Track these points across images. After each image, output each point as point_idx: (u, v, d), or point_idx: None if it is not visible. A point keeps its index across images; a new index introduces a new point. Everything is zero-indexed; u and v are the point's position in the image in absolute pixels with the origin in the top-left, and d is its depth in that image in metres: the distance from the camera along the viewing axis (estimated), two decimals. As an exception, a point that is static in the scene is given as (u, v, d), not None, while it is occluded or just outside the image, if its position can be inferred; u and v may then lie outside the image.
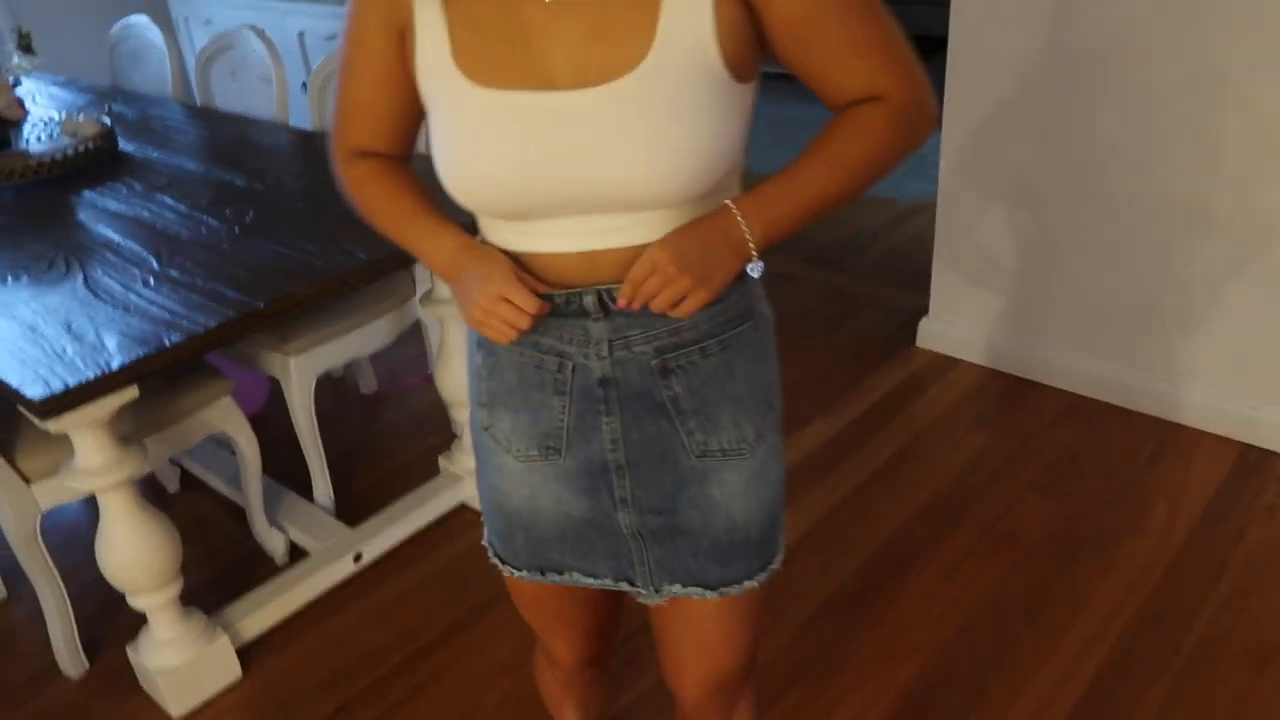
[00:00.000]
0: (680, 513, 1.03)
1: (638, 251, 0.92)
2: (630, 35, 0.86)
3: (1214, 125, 2.06)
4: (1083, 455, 2.27)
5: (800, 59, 0.92)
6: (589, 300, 0.95)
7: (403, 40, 0.95)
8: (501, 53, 0.89)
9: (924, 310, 2.74)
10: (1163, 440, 2.29)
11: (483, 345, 1.05)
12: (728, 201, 0.94)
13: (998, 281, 2.55)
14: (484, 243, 1.00)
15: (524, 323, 0.95)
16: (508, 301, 0.94)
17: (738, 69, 0.88)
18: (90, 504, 1.72)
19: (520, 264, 0.96)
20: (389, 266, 1.73)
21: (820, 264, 3.32)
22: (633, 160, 0.87)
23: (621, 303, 0.93)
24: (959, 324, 2.66)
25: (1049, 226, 2.39)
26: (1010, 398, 2.51)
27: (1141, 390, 2.37)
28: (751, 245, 0.94)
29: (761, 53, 0.92)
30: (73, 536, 2.14)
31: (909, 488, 2.22)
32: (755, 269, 0.96)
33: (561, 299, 0.95)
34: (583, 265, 0.94)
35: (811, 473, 2.28)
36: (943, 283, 2.67)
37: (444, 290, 1.96)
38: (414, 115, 1.01)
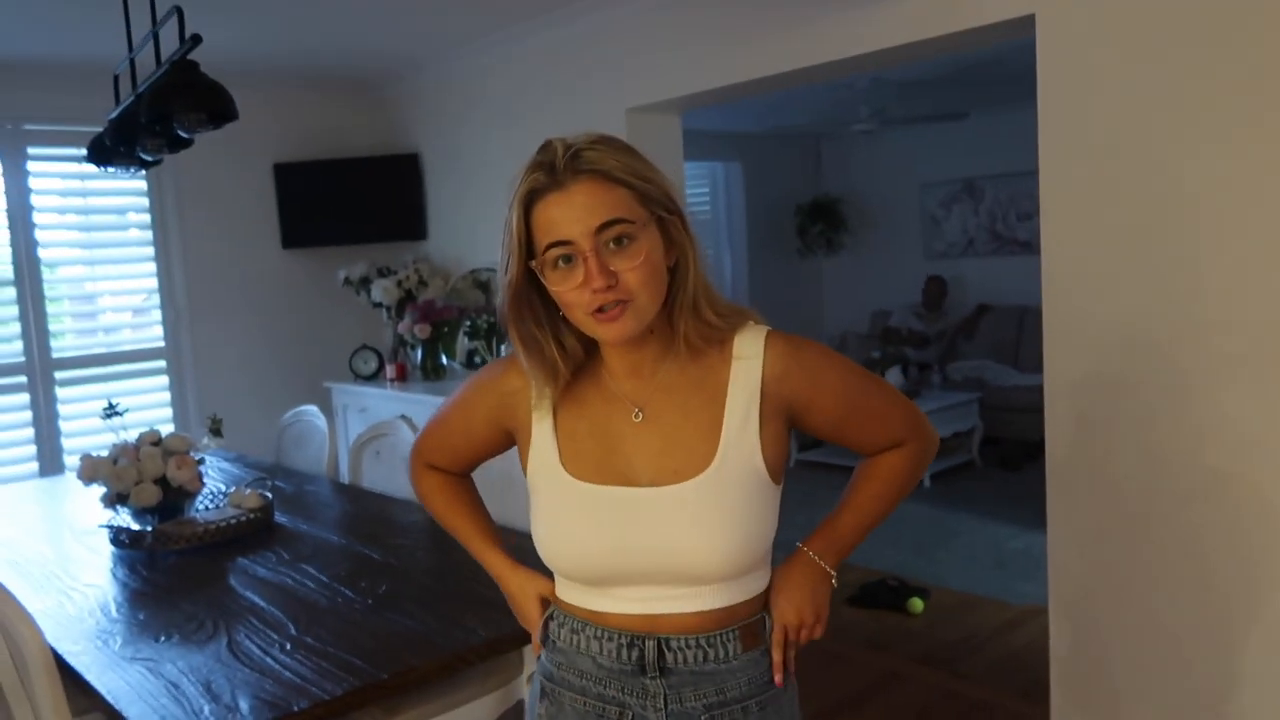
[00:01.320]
0: None
1: (694, 616, 1.13)
2: (697, 449, 1.11)
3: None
4: None
5: (836, 436, 1.21)
6: (650, 645, 1.13)
7: (502, 431, 1.24)
8: (596, 457, 1.14)
9: (1047, 723, 2.59)
10: None
11: (546, 694, 1.21)
12: (800, 545, 1.22)
13: (1126, 704, 2.42)
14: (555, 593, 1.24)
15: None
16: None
17: (775, 475, 1.14)
18: None
19: (593, 619, 1.18)
20: (505, 646, 1.81)
21: (933, 664, 3.21)
22: (695, 544, 1.09)
23: (778, 678, 1.16)
24: (1086, 742, 2.50)
25: (1175, 645, 2.31)
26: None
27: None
28: (830, 571, 1.22)
29: (788, 459, 1.18)
30: None
31: None
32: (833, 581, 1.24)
33: (625, 639, 1.14)
34: (644, 624, 1.14)
35: None
36: (1064, 699, 2.54)
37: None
38: (481, 460, 1.33)
